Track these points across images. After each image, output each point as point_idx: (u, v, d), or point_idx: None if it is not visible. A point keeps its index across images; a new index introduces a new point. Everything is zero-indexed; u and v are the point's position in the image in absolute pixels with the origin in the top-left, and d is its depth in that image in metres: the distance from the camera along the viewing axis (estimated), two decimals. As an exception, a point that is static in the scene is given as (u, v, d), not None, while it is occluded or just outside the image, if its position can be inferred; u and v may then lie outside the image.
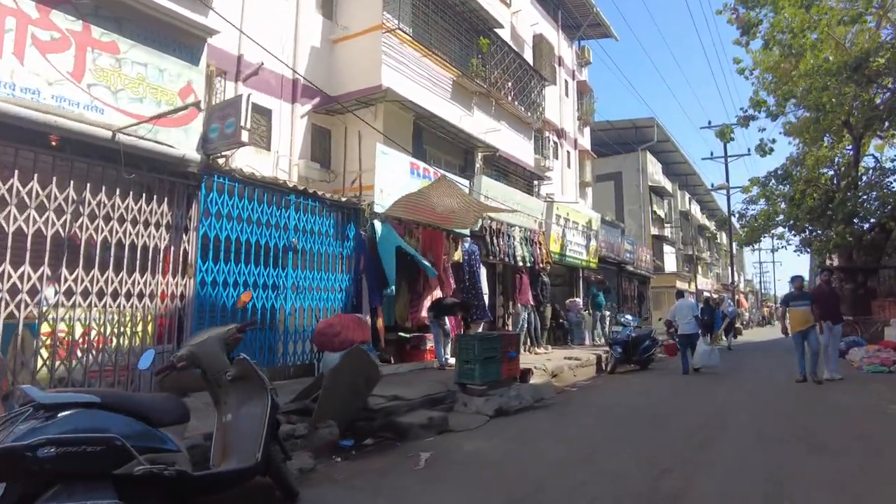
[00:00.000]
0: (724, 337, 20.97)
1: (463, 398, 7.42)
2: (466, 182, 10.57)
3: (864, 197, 16.55)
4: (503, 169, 16.01)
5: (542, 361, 10.79)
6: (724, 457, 5.15)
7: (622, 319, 12.61)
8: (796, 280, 10.73)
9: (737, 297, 39.03)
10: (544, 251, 13.10)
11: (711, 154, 30.54)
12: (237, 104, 6.46)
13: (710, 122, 32.32)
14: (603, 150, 33.52)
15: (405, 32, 11.40)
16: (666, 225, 35.65)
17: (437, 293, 9.87)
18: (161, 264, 6.25)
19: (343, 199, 8.51)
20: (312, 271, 8.04)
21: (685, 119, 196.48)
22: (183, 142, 6.28)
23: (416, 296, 9.95)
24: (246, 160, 8.53)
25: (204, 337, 3.62)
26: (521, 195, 12.87)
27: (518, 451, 5.49)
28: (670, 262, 32.90)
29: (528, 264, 12.49)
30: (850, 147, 17.75)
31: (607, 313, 16.88)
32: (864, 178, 17.25)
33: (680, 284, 29.55)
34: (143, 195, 6.16)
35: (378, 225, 8.42)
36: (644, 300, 24.89)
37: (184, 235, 6.53)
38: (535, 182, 17.68)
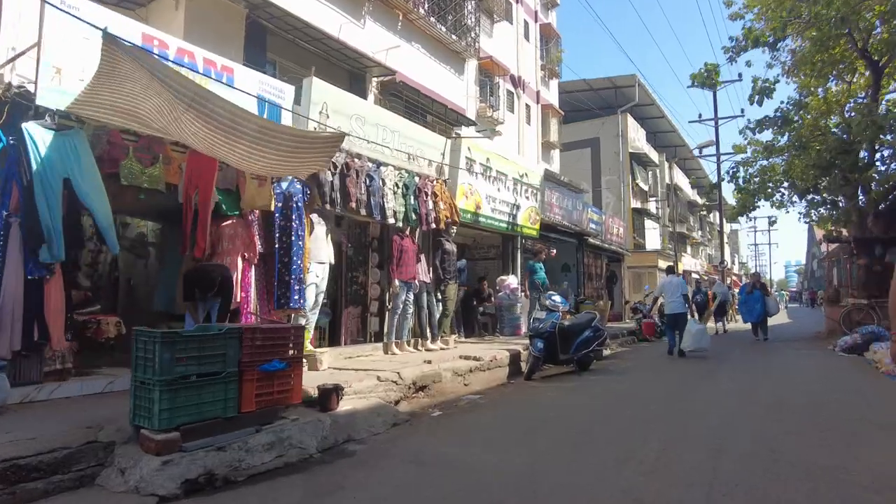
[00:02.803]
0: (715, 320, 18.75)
1: (125, 455, 3.67)
2: (284, 87, 6.70)
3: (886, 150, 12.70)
4: (415, 105, 12.13)
5: (406, 364, 7.04)
6: None
7: (548, 301, 8.82)
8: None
9: (729, 279, 35.38)
10: (445, 207, 9.29)
11: (700, 116, 26.47)
12: None
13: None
14: (579, 115, 29.67)
15: None
16: (650, 199, 31.82)
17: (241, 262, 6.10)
18: None
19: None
20: None
21: (672, 81, 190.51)
22: None
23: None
24: None
25: None
26: (406, 124, 9.02)
27: None
28: (653, 239, 29.13)
29: (412, 223, 8.68)
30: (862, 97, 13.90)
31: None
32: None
33: (662, 264, 25.83)
34: None
35: (37, 131, 4.58)
36: (616, 281, 21.12)
37: None
38: (480, 133, 13.79)
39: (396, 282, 8.37)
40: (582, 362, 9.21)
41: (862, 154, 13.74)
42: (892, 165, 13.30)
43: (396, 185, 8.33)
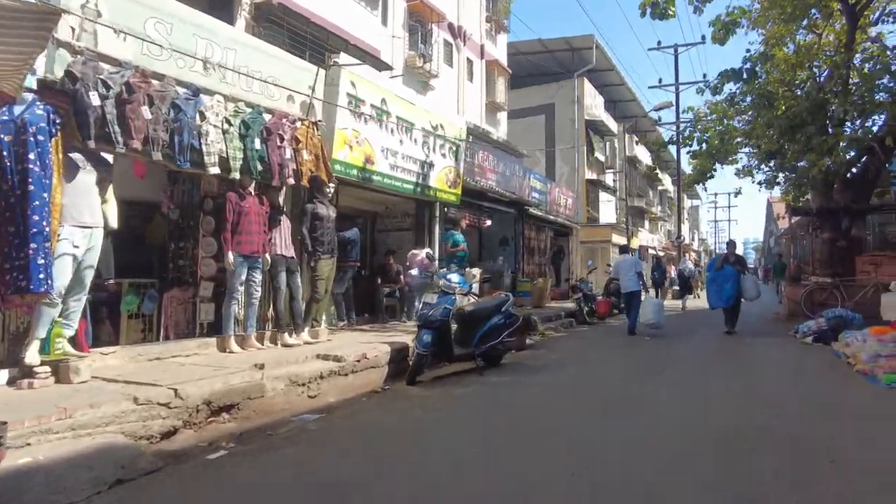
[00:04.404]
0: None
1: None
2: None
3: (858, 100, 10.93)
4: (303, 38, 9.77)
5: (221, 368, 4.90)
6: None
7: (441, 282, 6.74)
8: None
9: (687, 255, 34.13)
10: (311, 158, 7.06)
11: (660, 81, 24.67)
12: None
13: (659, 43, 26.42)
14: (533, 79, 27.52)
15: None
16: (607, 171, 30.06)
17: None
18: None
19: None
20: None
21: (634, 46, 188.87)
22: None
23: None
24: None
25: None
26: (250, 40, 6.72)
27: None
28: (608, 213, 27.42)
29: (257, 176, 6.43)
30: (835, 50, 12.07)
31: (475, 274, 11.07)
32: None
33: (617, 238, 24.21)
34: None
35: None
36: (563, 256, 19.27)
37: None
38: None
39: (231, 255, 6.14)
40: (490, 357, 7.24)
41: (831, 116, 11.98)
42: (864, 124, 11.56)
43: (228, 121, 6.05)
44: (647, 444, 4.09)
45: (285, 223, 7.10)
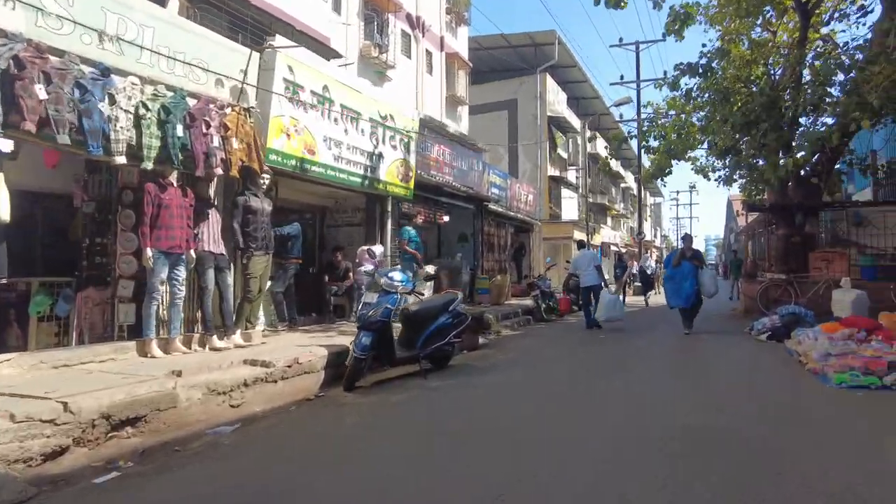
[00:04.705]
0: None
1: None
2: None
3: (810, 96, 10.93)
4: (243, 21, 9.22)
5: (133, 376, 4.40)
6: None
7: (382, 280, 6.33)
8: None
9: (649, 251, 34.49)
10: (242, 147, 6.56)
11: (622, 78, 24.70)
12: None
13: (621, 40, 26.46)
14: (497, 75, 27.32)
15: None
16: (570, 167, 30.04)
17: None
18: None
19: None
20: None
21: (596, 44, 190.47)
22: None
23: None
24: None
25: None
26: (175, 17, 6.19)
27: None
28: (570, 209, 27.42)
29: (178, 166, 5.92)
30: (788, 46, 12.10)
31: (427, 271, 10.73)
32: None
33: (579, 235, 24.18)
34: None
35: None
36: (525, 253, 19.06)
37: None
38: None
39: (149, 251, 5.62)
40: (436, 359, 6.89)
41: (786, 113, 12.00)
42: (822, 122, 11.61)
43: (145, 105, 5.52)
44: (587, 450, 3.81)
45: (215, 217, 6.61)
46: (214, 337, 6.38)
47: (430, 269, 10.73)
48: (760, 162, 12.71)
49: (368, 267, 9.39)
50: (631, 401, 5.38)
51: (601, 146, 33.35)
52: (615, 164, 39.40)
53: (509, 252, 17.92)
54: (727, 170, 14.09)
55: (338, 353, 6.40)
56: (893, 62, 8.98)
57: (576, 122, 30.26)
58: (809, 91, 10.85)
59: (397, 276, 6.40)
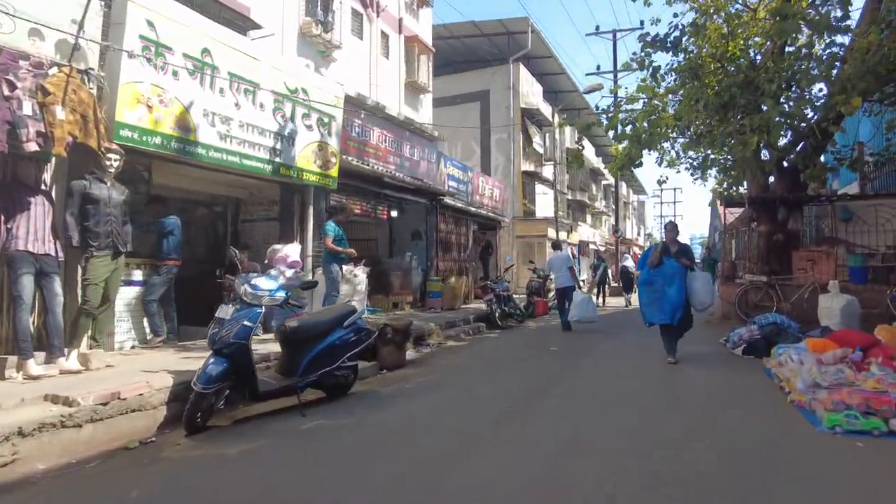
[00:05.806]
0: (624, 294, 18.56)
1: None
2: None
3: (787, 71, 9.64)
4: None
5: None
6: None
7: (244, 289, 4.88)
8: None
9: (631, 250, 33.25)
10: (75, 118, 5.10)
11: (598, 68, 23.48)
12: None
13: (597, 28, 25.18)
14: (469, 65, 26.00)
15: None
16: (546, 162, 28.69)
17: None
18: None
19: None
20: None
21: (572, 34, 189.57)
22: None
23: None
24: None
25: None
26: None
27: None
28: (545, 206, 26.10)
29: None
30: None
31: (358, 274, 9.27)
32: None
33: (553, 233, 22.85)
34: None
35: None
36: (491, 253, 17.67)
37: None
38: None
39: None
40: (328, 386, 5.47)
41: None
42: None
43: None
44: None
45: (41, 208, 5.14)
46: (30, 361, 4.90)
47: (360, 270, 9.29)
48: (735, 143, 11.38)
49: (288, 272, 7.90)
50: (558, 441, 3.99)
51: (573, 137, 32.06)
52: (597, 162, 38.15)
53: (473, 251, 16.52)
54: (698, 159, 12.81)
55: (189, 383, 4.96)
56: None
57: (550, 114, 28.95)
58: (786, 64, 9.57)
59: (264, 283, 4.96)
